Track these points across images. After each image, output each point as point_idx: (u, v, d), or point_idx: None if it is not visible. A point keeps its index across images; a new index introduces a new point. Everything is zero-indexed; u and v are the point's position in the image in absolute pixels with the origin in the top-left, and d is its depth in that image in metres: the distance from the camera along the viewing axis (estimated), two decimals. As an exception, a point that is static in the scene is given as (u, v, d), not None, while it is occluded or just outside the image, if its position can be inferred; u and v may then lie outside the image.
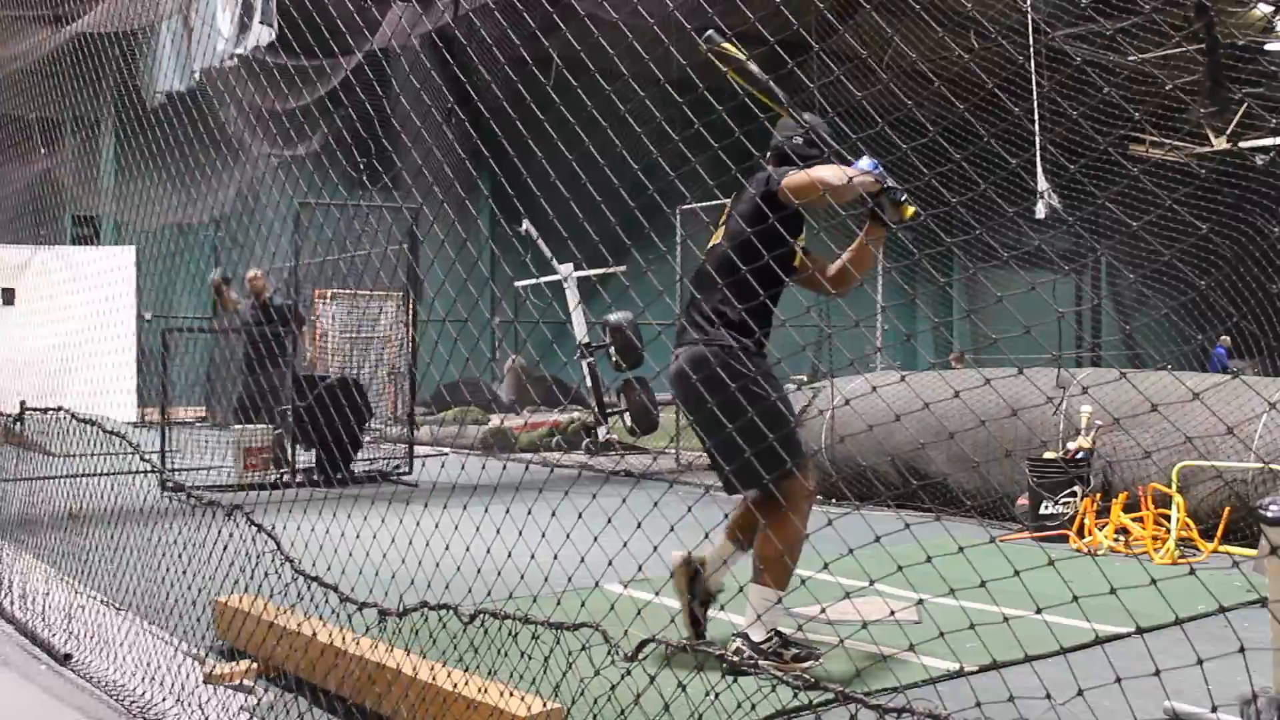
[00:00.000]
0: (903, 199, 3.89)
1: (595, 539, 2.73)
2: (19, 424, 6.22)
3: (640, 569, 2.87)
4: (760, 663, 3.56)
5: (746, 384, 3.70)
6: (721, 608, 4.07)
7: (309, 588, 3.33)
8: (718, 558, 4.20)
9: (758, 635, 3.88)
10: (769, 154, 4.26)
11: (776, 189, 3.86)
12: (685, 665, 2.62)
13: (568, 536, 2.82)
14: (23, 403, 6.29)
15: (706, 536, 3.37)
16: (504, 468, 3.33)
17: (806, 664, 3.82)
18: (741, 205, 4.02)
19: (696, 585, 4.14)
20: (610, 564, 2.82)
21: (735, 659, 3.59)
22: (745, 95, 3.53)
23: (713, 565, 4.19)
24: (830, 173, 3.81)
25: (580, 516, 2.80)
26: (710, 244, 4.22)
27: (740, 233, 3.88)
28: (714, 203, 7.48)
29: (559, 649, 2.82)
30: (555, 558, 2.79)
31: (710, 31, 3.78)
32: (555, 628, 2.75)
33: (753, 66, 3.88)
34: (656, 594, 3.87)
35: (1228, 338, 18.48)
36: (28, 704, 3.66)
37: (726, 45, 3.81)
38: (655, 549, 2.77)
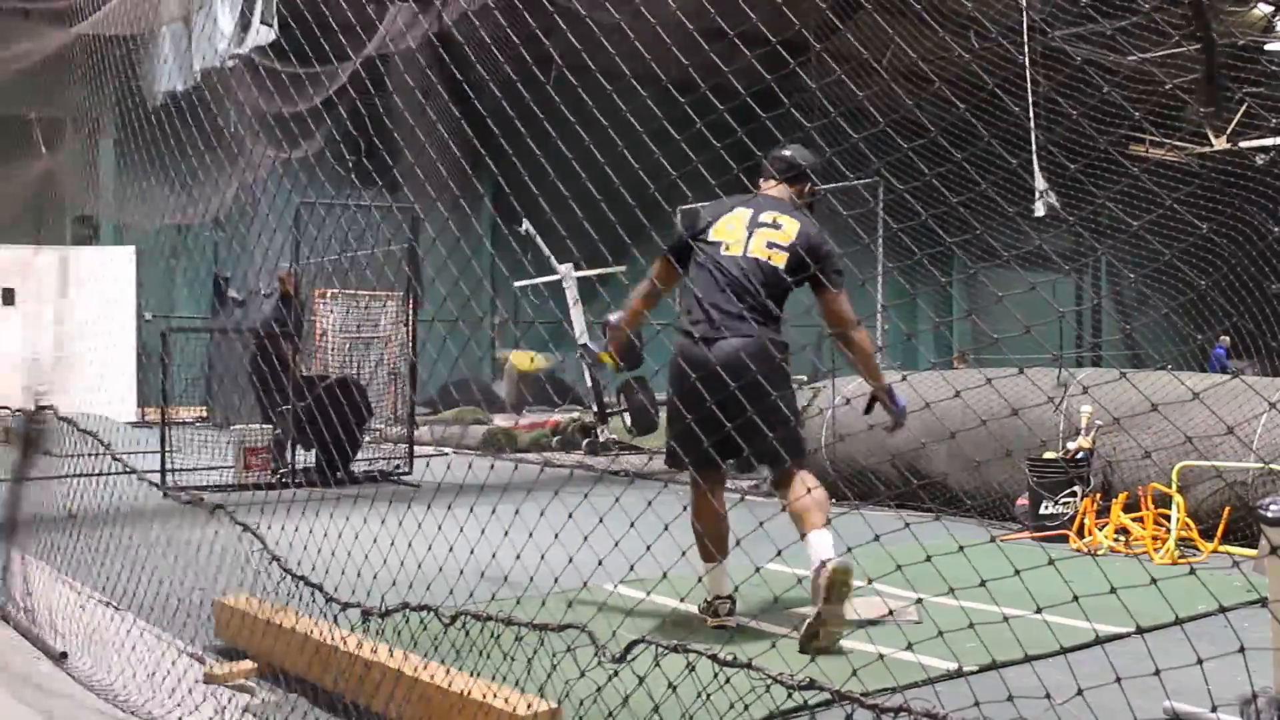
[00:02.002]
0: (901, 413, 4.57)
1: (585, 538, 2.72)
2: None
3: (632, 568, 2.87)
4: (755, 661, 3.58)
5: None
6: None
7: (296, 586, 3.33)
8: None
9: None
10: (782, 167, 4.55)
11: (832, 292, 4.35)
12: (677, 665, 2.61)
13: (555, 536, 2.82)
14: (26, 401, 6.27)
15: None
16: (492, 467, 3.33)
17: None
18: (800, 244, 4.38)
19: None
20: (600, 564, 2.81)
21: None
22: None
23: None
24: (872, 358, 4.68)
25: (570, 516, 2.79)
26: (751, 252, 4.39)
27: (797, 269, 4.36)
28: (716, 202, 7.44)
29: (543, 650, 2.80)
30: (542, 558, 2.79)
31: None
32: (541, 629, 2.73)
33: None
34: (649, 593, 3.86)
35: (1227, 338, 18.45)
36: (26, 704, 3.65)
37: None
38: (648, 548, 2.77)
